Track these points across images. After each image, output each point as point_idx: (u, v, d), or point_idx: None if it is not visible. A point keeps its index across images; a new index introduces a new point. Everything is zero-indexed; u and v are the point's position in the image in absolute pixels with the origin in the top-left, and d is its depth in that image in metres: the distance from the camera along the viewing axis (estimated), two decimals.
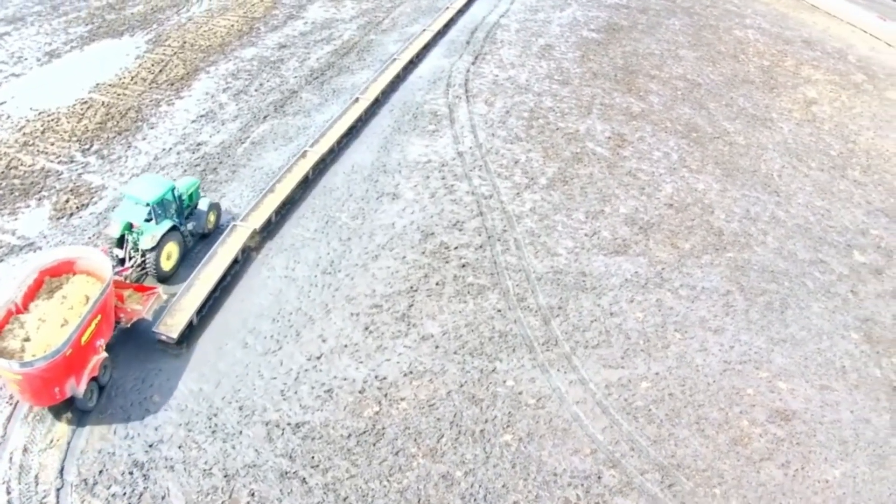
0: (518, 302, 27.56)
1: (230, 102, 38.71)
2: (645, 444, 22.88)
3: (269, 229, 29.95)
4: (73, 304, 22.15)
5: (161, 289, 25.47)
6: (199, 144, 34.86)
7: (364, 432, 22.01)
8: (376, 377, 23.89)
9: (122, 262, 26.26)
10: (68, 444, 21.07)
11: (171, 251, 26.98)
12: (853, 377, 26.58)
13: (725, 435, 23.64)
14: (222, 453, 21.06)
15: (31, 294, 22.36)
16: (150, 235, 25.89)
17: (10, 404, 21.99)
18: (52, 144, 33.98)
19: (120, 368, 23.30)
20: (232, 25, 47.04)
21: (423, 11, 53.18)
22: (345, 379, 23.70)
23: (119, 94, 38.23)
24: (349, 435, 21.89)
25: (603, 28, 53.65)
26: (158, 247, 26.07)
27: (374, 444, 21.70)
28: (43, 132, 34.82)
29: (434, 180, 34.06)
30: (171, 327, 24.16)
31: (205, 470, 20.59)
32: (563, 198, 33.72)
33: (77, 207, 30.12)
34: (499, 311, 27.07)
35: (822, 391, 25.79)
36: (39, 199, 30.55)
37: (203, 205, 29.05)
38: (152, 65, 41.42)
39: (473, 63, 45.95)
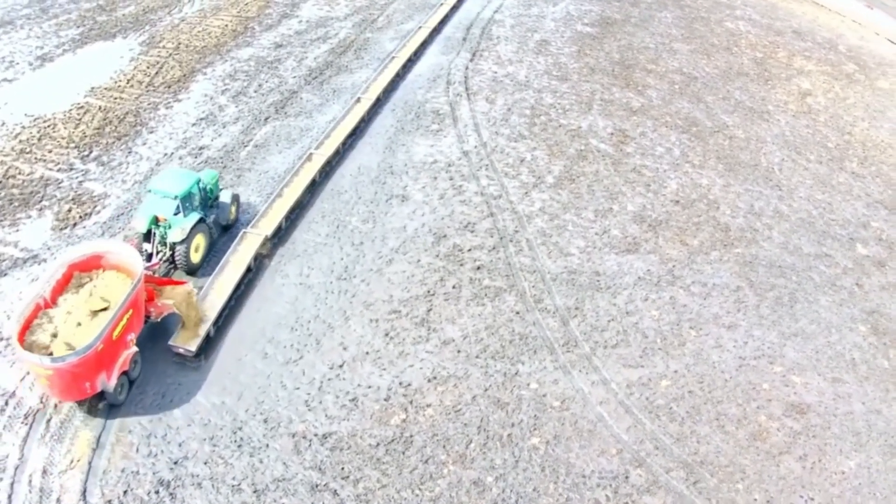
0: (535, 303, 27.58)
1: (230, 104, 38.31)
2: (668, 442, 23.05)
3: (279, 235, 29.71)
4: (101, 298, 22.17)
5: (191, 282, 25.45)
6: (201, 148, 34.47)
7: (392, 441, 21.96)
8: (400, 384, 23.82)
9: (149, 257, 26.38)
10: (90, 464, 20.71)
11: (199, 243, 27.34)
12: (863, 369, 26.92)
13: (745, 430, 23.89)
14: (250, 468, 20.89)
15: (60, 289, 22.40)
16: (179, 228, 26.18)
17: (26, 424, 21.57)
18: (50, 152, 33.40)
19: (138, 385, 23.03)
20: (226, 25, 46.48)
21: (417, 8, 52.91)
22: (369, 387, 23.61)
23: (116, 98, 37.67)
24: (377, 444, 21.82)
25: (596, 22, 53.68)
26: (188, 239, 26.36)
27: (403, 453, 21.66)
28: (40, 139, 34.21)
29: (442, 181, 33.96)
30: (189, 340, 23.92)
31: (233, 486, 20.41)
32: (571, 196, 33.76)
33: (80, 217, 29.62)
34: (517, 313, 27.09)
35: (834, 384, 26.10)
36: (40, 210, 30.02)
37: (225, 196, 29.44)
38: (148, 67, 40.84)
39: (471, 60, 45.83)
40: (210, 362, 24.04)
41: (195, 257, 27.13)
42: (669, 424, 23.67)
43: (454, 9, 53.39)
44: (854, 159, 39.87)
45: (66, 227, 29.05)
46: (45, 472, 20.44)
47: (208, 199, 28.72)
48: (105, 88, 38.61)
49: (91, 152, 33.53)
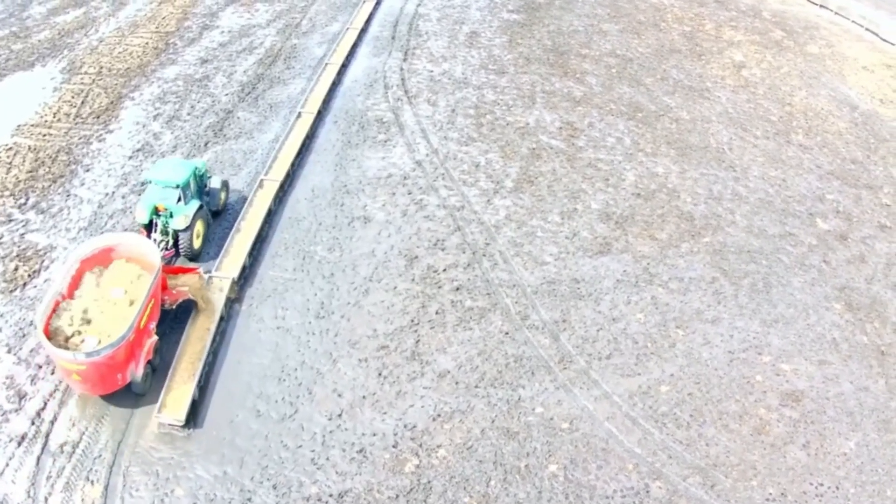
0: (522, 321, 27.03)
1: (165, 131, 36.03)
2: (679, 449, 23.05)
3: (245, 275, 28.13)
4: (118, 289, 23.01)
5: (202, 268, 26.29)
6: (143, 184, 32.24)
7: (411, 490, 21.12)
8: (405, 427, 22.92)
9: None
10: None
11: (200, 229, 28.40)
12: (845, 348, 27.55)
13: (747, 426, 24.16)
14: None
15: (75, 283, 23.05)
16: (182, 216, 27.17)
17: None
18: None
19: (128, 465, 21.28)
20: (146, 43, 43.62)
21: (339, 8, 50.94)
22: (374, 434, 22.62)
23: (44, 135, 34.82)
24: (397, 496, 20.95)
25: (522, 8, 52.97)
26: (190, 226, 27.35)
27: (424, 502, 20.85)
28: None
29: (400, 196, 32.87)
30: (175, 409, 22.34)
31: None
32: (533, 200, 33.22)
33: (29, 275, 27.26)
34: (506, 333, 26.49)
35: (821, 367, 26.63)
36: None
37: (216, 183, 30.48)
38: (72, 96, 37.90)
39: (404, 60, 44.51)
40: (201, 429, 22.50)
41: (197, 243, 28.10)
42: (677, 431, 23.65)
43: (377, 5, 51.69)
44: (799, 131, 40.68)
45: (15, 289, 26.66)
46: None
47: (202, 187, 29.35)
48: (32, 125, 35.64)
49: (28, 199, 30.93)
